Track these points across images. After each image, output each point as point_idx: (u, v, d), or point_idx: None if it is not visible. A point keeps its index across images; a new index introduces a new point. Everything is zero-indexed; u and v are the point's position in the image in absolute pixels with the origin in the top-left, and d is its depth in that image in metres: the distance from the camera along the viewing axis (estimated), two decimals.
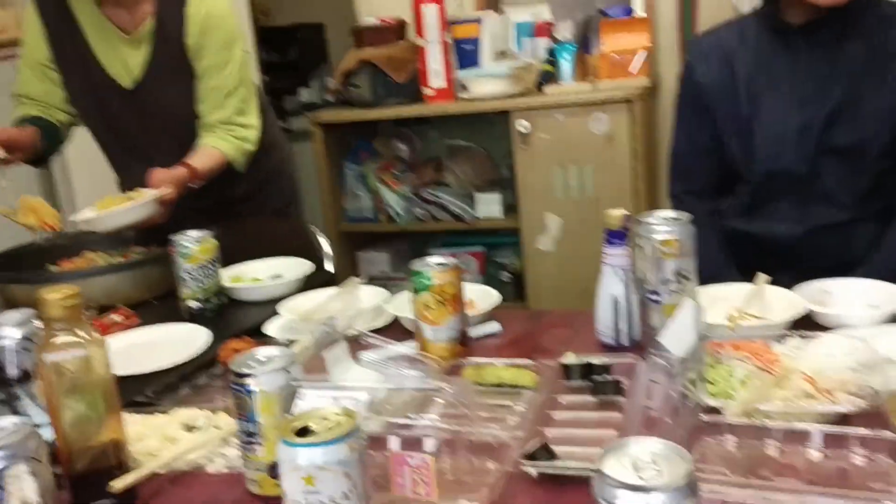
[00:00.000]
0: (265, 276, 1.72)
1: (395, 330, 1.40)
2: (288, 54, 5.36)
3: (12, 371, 1.08)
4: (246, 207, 2.04)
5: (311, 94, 5.02)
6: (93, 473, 0.91)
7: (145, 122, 1.90)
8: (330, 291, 1.50)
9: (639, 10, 2.92)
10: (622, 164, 2.71)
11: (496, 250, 3.28)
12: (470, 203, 3.10)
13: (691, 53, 1.74)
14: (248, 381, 0.89)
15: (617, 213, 1.20)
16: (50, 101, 1.95)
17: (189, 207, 1.78)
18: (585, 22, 2.90)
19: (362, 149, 3.32)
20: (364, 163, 3.27)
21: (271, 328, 1.44)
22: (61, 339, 0.88)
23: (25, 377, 1.09)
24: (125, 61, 1.86)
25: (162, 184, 1.70)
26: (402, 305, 1.44)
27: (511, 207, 3.09)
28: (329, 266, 2.05)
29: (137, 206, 1.67)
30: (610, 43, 2.79)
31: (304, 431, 0.75)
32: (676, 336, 1.05)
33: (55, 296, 0.87)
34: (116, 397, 0.93)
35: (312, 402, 0.87)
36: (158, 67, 1.86)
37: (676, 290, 1.15)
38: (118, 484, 0.91)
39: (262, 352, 0.94)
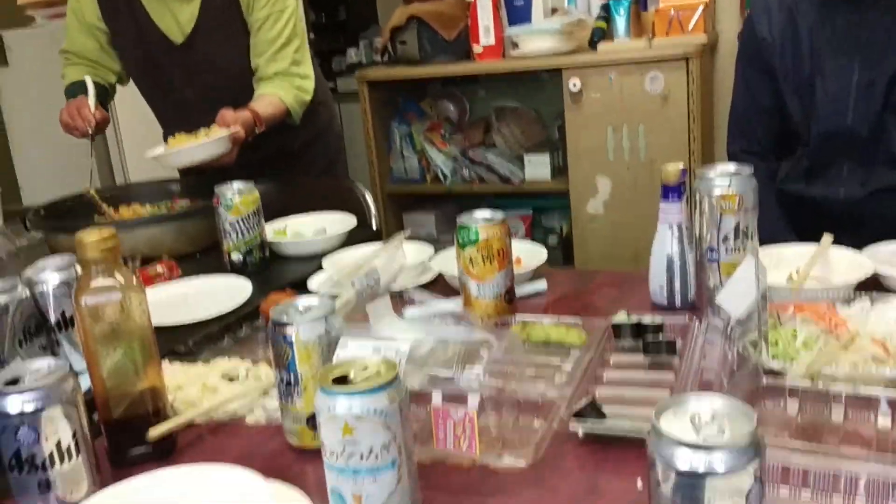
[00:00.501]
0: (309, 231, 1.69)
1: (440, 287, 1.36)
2: (337, 14, 5.32)
3: (52, 316, 1.08)
4: (294, 164, 2.03)
5: (359, 54, 4.98)
6: (130, 421, 0.90)
7: (194, 77, 1.90)
8: (374, 247, 1.48)
9: None
10: (677, 124, 2.62)
11: (544, 213, 3.22)
12: (518, 165, 3.04)
13: (753, 6, 1.66)
14: (287, 329, 0.86)
15: (674, 167, 1.14)
16: (99, 60, 1.96)
17: (238, 162, 1.77)
18: None
19: (410, 109, 3.27)
20: (411, 123, 3.22)
21: (315, 282, 1.42)
22: (98, 282, 0.86)
23: (66, 323, 1.09)
24: (175, 16, 1.85)
25: (232, 123, 1.70)
26: (446, 262, 1.41)
27: (560, 169, 3.02)
28: (373, 223, 2.03)
29: (210, 142, 1.68)
30: None
31: (343, 380, 0.72)
32: (735, 296, 1.00)
33: (92, 237, 0.85)
34: (154, 345, 0.91)
35: (353, 352, 0.84)
36: (208, 22, 1.85)
37: (736, 248, 1.09)
38: (155, 432, 0.89)
39: (302, 301, 0.91)
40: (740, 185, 1.08)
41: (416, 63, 3.00)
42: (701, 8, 2.63)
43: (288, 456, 0.91)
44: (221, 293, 1.37)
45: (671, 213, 1.15)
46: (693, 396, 0.61)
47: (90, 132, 1.81)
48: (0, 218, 1.97)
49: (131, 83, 2.07)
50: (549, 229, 3.16)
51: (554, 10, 2.99)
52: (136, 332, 0.89)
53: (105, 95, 1.98)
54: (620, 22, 2.71)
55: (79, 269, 1.10)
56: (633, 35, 2.73)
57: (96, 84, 1.92)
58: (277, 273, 1.54)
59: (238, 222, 1.48)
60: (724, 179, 1.09)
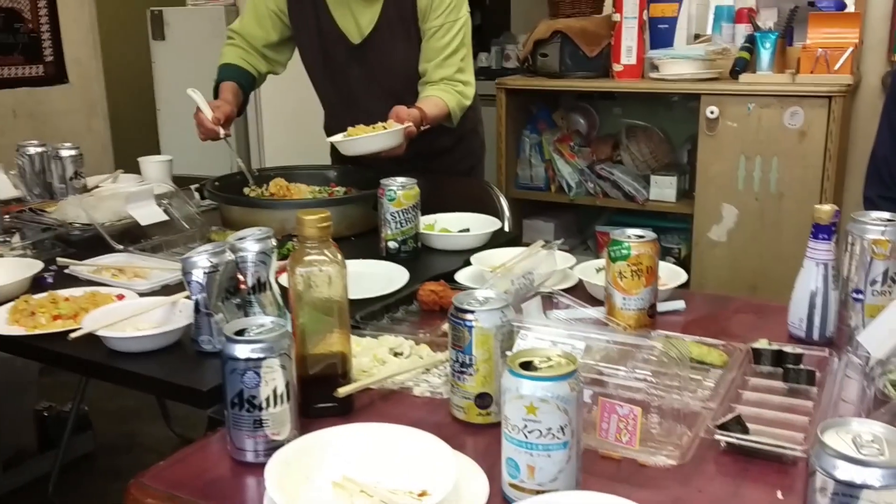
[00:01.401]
0: (454, 228, 1.81)
1: (577, 294, 1.45)
2: (473, 18, 5.45)
3: (250, 280, 1.23)
4: (440, 163, 2.16)
5: (489, 59, 5.10)
6: (321, 379, 1.03)
7: (366, 75, 2.04)
8: (519, 250, 1.58)
9: (851, 6, 2.79)
10: (813, 161, 2.63)
11: (663, 234, 3.26)
12: (643, 184, 3.10)
13: None
14: (468, 316, 0.98)
15: (828, 209, 1.19)
16: (258, 47, 2.12)
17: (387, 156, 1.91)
18: (791, 12, 2.80)
19: (542, 119, 3.37)
20: (542, 133, 3.32)
21: (462, 276, 1.53)
22: (312, 255, 0.99)
23: (259, 287, 1.24)
24: (356, 18, 2.00)
25: (406, 119, 1.84)
26: (587, 270, 1.50)
27: (685, 193, 3.07)
28: (506, 226, 2.13)
29: (387, 133, 1.81)
30: (816, 36, 2.69)
31: (526, 366, 0.82)
32: (878, 337, 1.06)
33: (311, 217, 0.99)
34: (347, 314, 1.04)
35: (532, 343, 0.94)
36: (385, 26, 1.99)
37: (883, 291, 1.14)
38: (343, 390, 1.02)
39: (482, 293, 1.02)
40: (893, 232, 1.13)
41: (555, 76, 3.09)
42: (850, 49, 2.63)
43: (452, 427, 1.02)
44: (380, 276, 1.50)
45: (820, 251, 1.21)
46: (856, 420, 0.69)
47: (221, 135, 1.96)
48: (171, 183, 2.17)
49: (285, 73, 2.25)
50: (666, 250, 3.21)
51: (697, 36, 3.04)
52: (336, 302, 1.02)
53: (250, 84, 2.14)
54: (765, 55, 2.74)
55: (274, 241, 1.25)
56: (777, 68, 2.75)
57: (243, 72, 2.09)
58: (426, 263, 1.66)
59: (398, 213, 1.61)
60: (879, 225, 1.14)
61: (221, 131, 1.94)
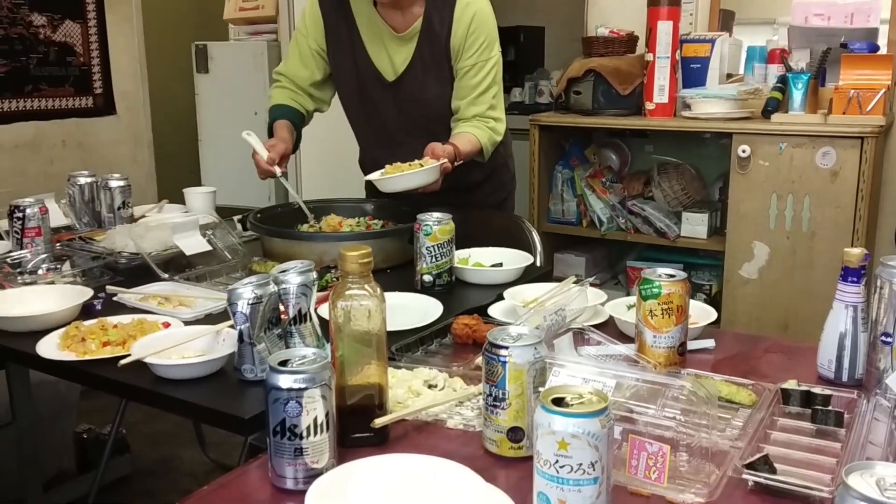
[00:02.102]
0: (488, 263, 1.85)
1: (608, 330, 1.48)
2: (506, 54, 5.52)
3: (291, 311, 1.27)
4: (472, 196, 2.21)
5: (523, 94, 5.16)
6: (359, 409, 1.06)
7: (400, 112, 2.10)
8: (551, 285, 1.61)
9: (884, 48, 2.81)
10: (845, 201, 2.64)
11: (694, 271, 3.27)
12: (675, 220, 3.12)
13: None
14: (502, 352, 1.01)
15: (857, 252, 1.22)
16: (304, 87, 2.19)
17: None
18: (824, 53, 2.83)
19: (574, 154, 3.41)
20: (575, 168, 3.36)
21: (495, 310, 1.57)
22: (353, 290, 1.04)
23: (300, 318, 1.28)
24: (391, 57, 2.06)
25: (442, 156, 1.89)
26: (618, 307, 1.53)
27: (716, 230, 3.08)
28: (538, 260, 2.17)
29: (425, 171, 1.86)
30: (848, 77, 2.71)
31: (559, 402, 0.85)
32: None
33: (353, 253, 1.03)
34: (385, 347, 1.08)
35: (564, 380, 0.97)
36: (419, 64, 2.05)
37: None
38: (380, 421, 1.05)
39: (515, 329, 1.06)
40: None
41: (588, 113, 3.14)
42: (883, 91, 2.64)
43: (484, 460, 1.05)
44: (416, 309, 1.54)
45: (849, 293, 1.23)
46: (880, 464, 0.71)
47: (278, 174, 2.01)
48: (214, 214, 2.24)
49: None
50: (697, 287, 3.21)
51: (729, 76, 3.07)
52: (375, 335, 1.06)
53: (300, 121, 2.21)
54: (797, 95, 2.76)
55: (314, 274, 1.30)
56: (809, 109, 2.77)
57: (293, 111, 2.16)
58: (460, 297, 1.70)
59: (434, 248, 1.66)
60: None
61: (278, 170, 2.00)
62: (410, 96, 2.09)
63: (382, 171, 1.92)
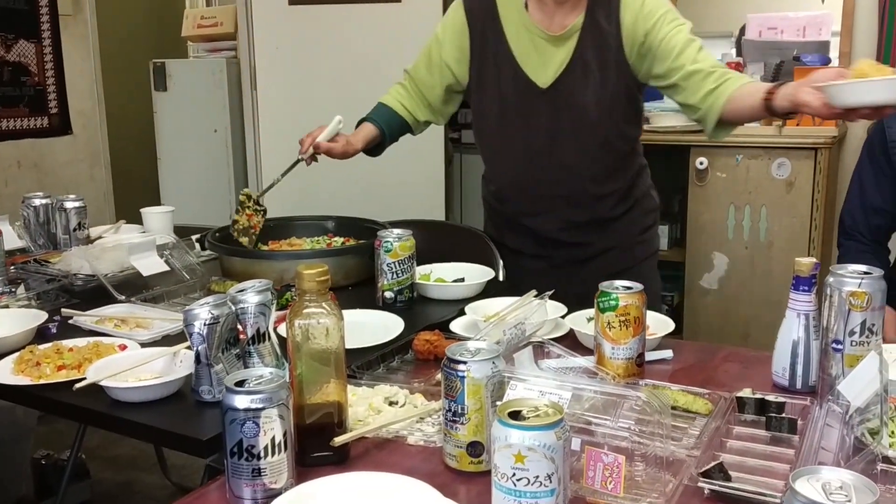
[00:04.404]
0: (449, 278, 1.86)
1: (568, 342, 1.49)
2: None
3: (249, 331, 1.26)
4: (616, 226, 2.01)
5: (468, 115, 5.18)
6: (318, 428, 1.06)
7: (552, 121, 1.88)
8: (513, 300, 1.62)
9: (835, 60, 2.88)
10: (800, 210, 2.69)
11: None
12: None
13: None
14: (461, 367, 1.02)
15: (808, 261, 1.24)
16: (423, 93, 2.02)
17: (568, 219, 1.94)
18: (777, 66, 2.89)
19: None
20: None
21: (457, 325, 1.57)
22: (311, 308, 1.03)
23: (258, 338, 1.27)
24: (544, 61, 1.86)
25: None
26: (578, 320, 1.54)
27: (677, 241, 3.12)
28: (500, 274, 2.18)
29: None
30: None
31: (515, 415, 0.86)
32: (857, 386, 1.09)
33: (310, 272, 1.03)
34: (344, 365, 1.08)
35: (521, 393, 0.98)
36: (579, 66, 1.83)
37: (861, 342, 1.18)
38: (339, 439, 1.05)
39: (473, 344, 1.06)
40: (870, 286, 1.18)
41: None
42: None
43: (445, 475, 1.05)
44: (376, 325, 1.54)
45: (801, 302, 1.25)
46: (826, 468, 0.72)
47: (301, 156, 1.93)
48: (172, 234, 2.22)
49: None
50: (660, 297, 3.24)
51: None
52: (333, 353, 1.06)
53: (398, 128, 2.05)
54: None
55: (273, 293, 1.29)
56: (764, 121, 2.82)
57: (394, 114, 2.02)
58: (422, 313, 1.70)
59: (395, 264, 1.66)
60: (856, 278, 1.18)
61: (304, 155, 1.93)
62: (565, 103, 1.85)
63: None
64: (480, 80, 1.93)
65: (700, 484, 0.97)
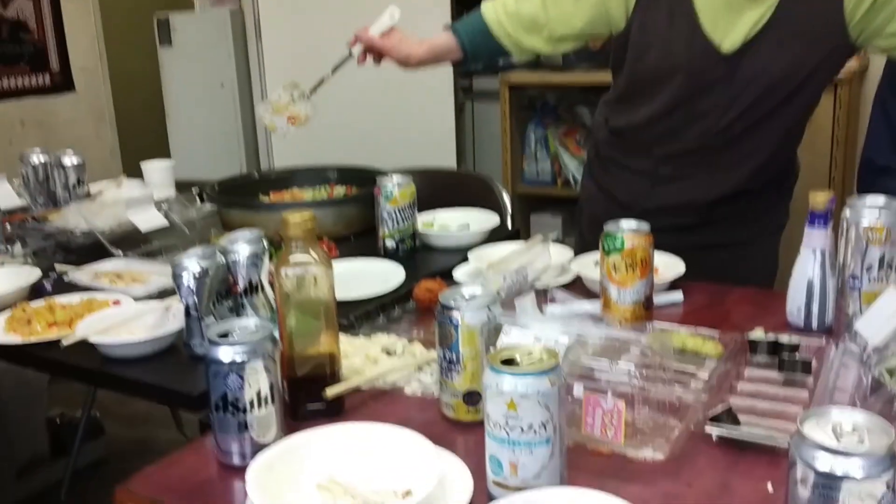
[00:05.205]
0: (454, 225, 1.81)
1: (577, 288, 1.44)
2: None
3: (241, 283, 1.23)
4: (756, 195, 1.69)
5: None
6: (309, 380, 1.02)
7: (730, 95, 1.54)
8: (518, 245, 1.57)
9: None
10: (820, 148, 2.60)
11: None
12: None
13: None
14: (454, 313, 0.97)
15: (823, 195, 1.18)
16: (553, 22, 1.60)
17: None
18: None
19: (547, 113, 3.35)
20: (547, 127, 3.30)
21: (460, 273, 1.52)
22: (297, 256, 0.99)
23: (251, 290, 1.24)
24: (733, 20, 1.50)
25: None
26: (585, 264, 1.49)
27: None
28: (509, 222, 2.13)
29: None
30: None
31: (509, 362, 0.82)
32: (875, 324, 1.04)
33: (296, 218, 0.98)
34: (335, 314, 1.04)
35: (516, 339, 0.93)
36: (774, 29, 1.49)
37: (879, 278, 1.12)
38: (331, 391, 1.01)
39: (468, 289, 1.01)
40: (889, 218, 1.11)
41: (559, 69, 3.08)
42: None
43: (441, 426, 1.01)
44: (377, 275, 1.50)
45: (816, 238, 1.19)
46: (836, 409, 0.67)
47: (349, 52, 1.67)
48: (173, 188, 2.18)
49: None
50: None
51: None
52: (323, 303, 1.01)
53: (489, 51, 1.68)
54: None
55: (265, 243, 1.25)
56: None
57: (484, 33, 1.62)
58: (424, 261, 1.65)
59: (395, 211, 1.61)
60: (874, 211, 1.12)
61: (353, 49, 1.66)
62: (751, 73, 1.51)
63: None
64: (643, 32, 1.55)
65: (707, 429, 0.92)
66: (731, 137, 1.58)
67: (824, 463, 0.63)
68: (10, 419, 2.39)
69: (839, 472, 0.63)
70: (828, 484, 0.63)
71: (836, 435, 0.65)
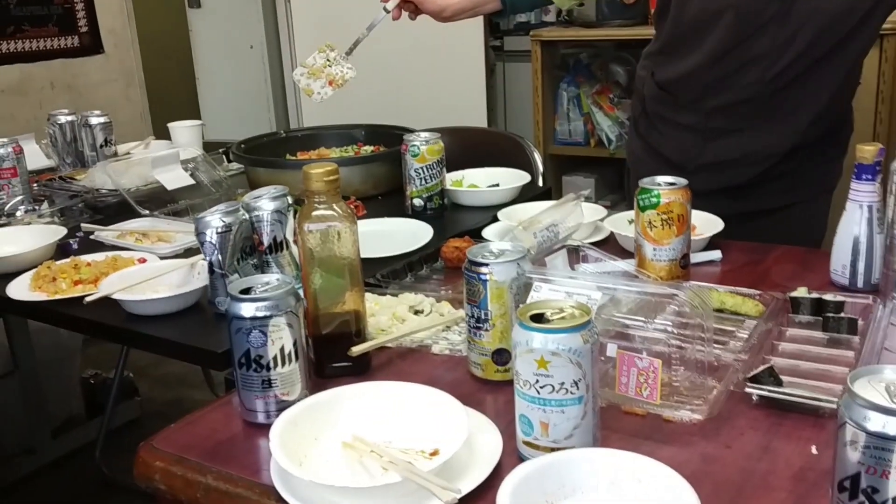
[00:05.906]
0: (483, 184, 1.77)
1: (609, 247, 1.40)
2: None
3: (266, 239, 1.20)
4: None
5: (528, 14, 4.98)
6: (334, 338, 1.00)
7: (783, 38, 1.41)
8: (549, 203, 1.53)
9: None
10: (864, 103, 2.50)
11: None
12: None
13: None
14: (482, 269, 0.94)
15: (872, 147, 1.12)
16: None
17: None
18: None
19: (580, 71, 3.27)
20: (580, 85, 3.23)
21: (489, 231, 1.49)
22: (320, 211, 0.96)
23: (276, 247, 1.21)
24: None
25: None
26: (619, 222, 1.44)
27: None
28: (540, 181, 2.08)
29: None
30: None
31: (539, 319, 0.78)
32: None
33: (318, 171, 0.95)
34: (360, 271, 1.01)
35: (546, 294, 0.90)
36: None
37: None
38: (357, 349, 0.99)
39: (496, 245, 0.98)
40: None
41: (592, 25, 3.00)
42: None
43: (470, 385, 0.98)
44: (405, 234, 1.47)
45: (863, 193, 1.13)
46: (890, 368, 0.63)
47: (384, 9, 1.62)
48: (201, 148, 2.16)
49: None
50: None
51: None
52: (347, 259, 0.98)
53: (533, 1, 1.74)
54: None
55: (290, 199, 1.22)
56: None
57: None
58: (453, 220, 1.62)
59: (423, 169, 1.57)
60: None
61: (388, 5, 1.61)
62: (806, 11, 1.37)
63: None
64: None
65: (747, 390, 0.89)
66: (786, 84, 1.46)
67: (877, 423, 0.59)
68: (45, 379, 2.41)
69: (893, 433, 0.59)
70: (880, 445, 0.59)
71: (890, 394, 0.61)
